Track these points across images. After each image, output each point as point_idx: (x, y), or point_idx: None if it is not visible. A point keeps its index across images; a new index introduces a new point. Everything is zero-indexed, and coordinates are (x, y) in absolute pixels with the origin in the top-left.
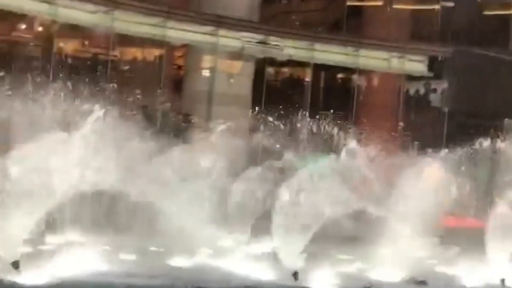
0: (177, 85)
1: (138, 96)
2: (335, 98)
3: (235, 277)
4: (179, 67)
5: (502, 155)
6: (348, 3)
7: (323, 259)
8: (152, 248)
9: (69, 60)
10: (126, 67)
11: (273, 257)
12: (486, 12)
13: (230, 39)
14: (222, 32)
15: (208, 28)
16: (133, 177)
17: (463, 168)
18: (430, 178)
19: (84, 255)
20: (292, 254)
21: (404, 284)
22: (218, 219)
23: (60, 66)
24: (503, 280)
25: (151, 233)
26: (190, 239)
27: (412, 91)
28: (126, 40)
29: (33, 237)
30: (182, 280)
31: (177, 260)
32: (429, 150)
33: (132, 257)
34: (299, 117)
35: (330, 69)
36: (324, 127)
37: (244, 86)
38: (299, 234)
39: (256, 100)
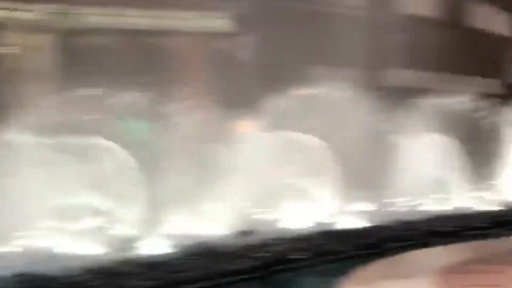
0: None
1: None
2: (144, 63)
3: None
4: None
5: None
6: None
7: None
8: None
9: None
10: None
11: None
12: None
13: (28, 13)
14: (17, 5)
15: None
16: None
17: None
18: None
19: None
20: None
21: (231, 236)
22: None
23: None
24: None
25: None
26: None
27: (222, 49)
28: None
29: None
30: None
31: None
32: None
33: None
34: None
35: (137, 34)
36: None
37: (49, 60)
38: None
39: (65, 73)
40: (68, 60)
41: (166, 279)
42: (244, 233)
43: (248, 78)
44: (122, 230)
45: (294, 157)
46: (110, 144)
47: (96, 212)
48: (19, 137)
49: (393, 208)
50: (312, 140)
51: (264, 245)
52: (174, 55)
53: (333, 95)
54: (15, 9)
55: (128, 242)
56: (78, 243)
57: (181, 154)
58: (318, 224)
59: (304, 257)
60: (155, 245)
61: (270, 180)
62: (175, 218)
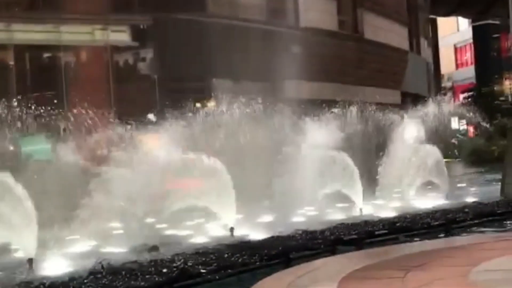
0: None
1: None
2: (43, 79)
3: None
4: None
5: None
6: None
7: (53, 243)
8: None
9: None
10: None
11: None
12: None
13: None
14: None
15: None
16: None
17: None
18: (150, 145)
19: None
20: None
21: (136, 252)
22: None
23: None
24: (231, 229)
25: None
26: None
27: (121, 62)
28: None
29: None
30: None
31: None
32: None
33: None
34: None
35: (34, 49)
36: (36, 110)
37: None
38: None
39: None
40: None
41: None
42: (150, 249)
43: (147, 91)
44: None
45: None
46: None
47: None
48: None
49: (297, 218)
50: (206, 158)
51: (169, 261)
52: (72, 69)
53: (234, 108)
54: None
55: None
56: None
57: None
58: (223, 238)
59: (207, 270)
60: (55, 265)
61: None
62: (75, 238)
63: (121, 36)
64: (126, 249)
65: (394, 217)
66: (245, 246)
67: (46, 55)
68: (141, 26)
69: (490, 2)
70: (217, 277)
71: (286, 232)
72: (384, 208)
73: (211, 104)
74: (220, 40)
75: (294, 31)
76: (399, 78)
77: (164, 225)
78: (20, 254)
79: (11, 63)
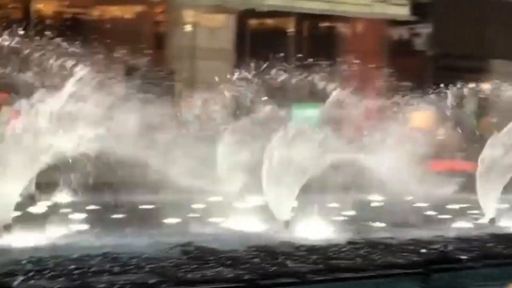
0: (160, 41)
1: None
2: (319, 47)
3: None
4: (160, 23)
5: (488, 97)
6: None
7: (315, 209)
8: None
9: (48, 22)
10: (107, 26)
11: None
12: None
13: None
14: None
15: None
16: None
17: (449, 111)
18: (417, 122)
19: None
20: (284, 206)
21: (394, 228)
22: (207, 174)
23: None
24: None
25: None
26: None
27: (396, 36)
28: None
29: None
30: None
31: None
32: (415, 94)
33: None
34: (283, 67)
35: (313, 18)
36: (309, 77)
37: (227, 40)
38: (291, 186)
39: (239, 53)
40: (244, 40)
41: (326, 264)
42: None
43: (420, 67)
44: (282, 212)
45: None
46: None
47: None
48: None
49: None
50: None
51: (427, 242)
52: (351, 40)
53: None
54: None
55: (287, 224)
56: (243, 221)
57: None
58: (484, 226)
59: (468, 257)
60: (314, 230)
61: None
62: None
63: (401, 10)
64: (384, 223)
65: None
66: (508, 237)
67: (324, 24)
68: (422, 1)
69: None
70: (476, 265)
71: None
72: None
73: (486, 86)
74: (502, 18)
75: None
76: None
77: (424, 205)
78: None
79: (291, 30)
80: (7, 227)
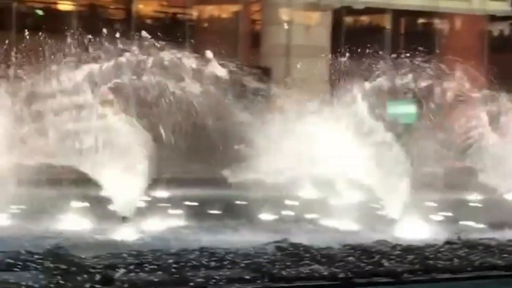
0: (255, 40)
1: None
2: (416, 44)
3: None
4: (256, 22)
5: None
6: None
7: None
8: None
9: (149, 21)
10: (205, 25)
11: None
12: None
13: None
14: None
15: None
16: None
17: None
18: None
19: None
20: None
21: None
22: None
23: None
24: None
25: None
26: None
27: (496, 32)
28: None
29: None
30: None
31: None
32: None
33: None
34: (381, 63)
35: (410, 15)
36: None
37: (322, 37)
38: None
39: (335, 50)
40: (339, 37)
41: (423, 264)
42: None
43: None
44: (383, 210)
45: None
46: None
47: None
48: None
49: None
50: None
51: None
52: (449, 36)
53: None
54: None
55: (386, 223)
56: (340, 218)
57: None
58: None
59: None
60: (412, 229)
61: None
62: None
63: (500, 5)
64: (482, 224)
65: None
66: None
67: (421, 20)
68: None
69: None
70: None
71: None
72: None
73: None
74: None
75: None
76: None
77: None
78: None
79: (387, 27)
80: (125, 219)
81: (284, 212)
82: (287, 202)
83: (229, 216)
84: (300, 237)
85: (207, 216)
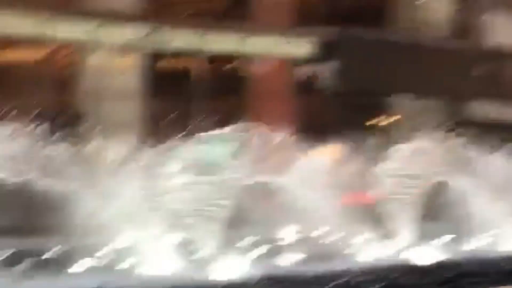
0: (65, 84)
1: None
2: (227, 87)
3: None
4: (66, 67)
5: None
6: None
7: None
8: None
9: None
10: (7, 70)
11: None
12: None
13: (115, 34)
14: (106, 27)
15: (92, 25)
16: None
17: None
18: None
19: None
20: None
21: None
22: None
23: None
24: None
25: None
26: None
27: (303, 75)
28: (3, 42)
29: None
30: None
31: None
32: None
33: None
34: (191, 106)
35: (220, 58)
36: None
37: (134, 80)
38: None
39: (148, 93)
40: (152, 81)
41: None
42: None
43: (326, 105)
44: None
45: None
46: None
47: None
48: None
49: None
50: None
51: None
52: (258, 79)
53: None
54: (109, 31)
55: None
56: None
57: None
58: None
59: None
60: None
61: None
62: None
63: (304, 49)
64: None
65: None
66: (415, 269)
67: (231, 65)
68: (325, 40)
69: None
70: None
71: (460, 255)
72: None
73: (389, 120)
74: (405, 56)
75: (481, 50)
76: None
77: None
78: None
79: (199, 70)
80: None
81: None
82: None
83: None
84: None
85: None
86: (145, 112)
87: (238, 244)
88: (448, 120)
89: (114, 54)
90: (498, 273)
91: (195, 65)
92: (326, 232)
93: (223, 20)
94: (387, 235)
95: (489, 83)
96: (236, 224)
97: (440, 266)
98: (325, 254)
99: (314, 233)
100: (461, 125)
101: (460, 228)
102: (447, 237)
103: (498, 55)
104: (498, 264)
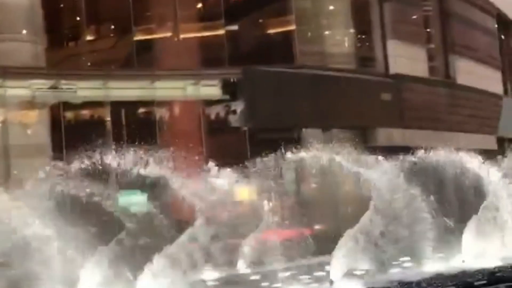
0: None
1: None
2: (138, 133)
3: None
4: None
5: (304, 164)
6: (136, 38)
7: None
8: None
9: None
10: None
11: None
12: (270, 31)
13: (18, 89)
14: (9, 82)
15: None
16: None
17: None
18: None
19: None
20: None
21: None
22: None
23: None
24: (331, 281)
25: None
26: None
27: (213, 115)
28: None
29: None
30: None
31: None
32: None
33: None
34: (104, 156)
35: (129, 105)
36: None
37: (41, 135)
38: None
39: (56, 147)
40: (59, 133)
41: None
42: None
43: (238, 143)
44: None
45: None
46: None
47: None
48: None
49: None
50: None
51: None
52: (169, 122)
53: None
54: (11, 86)
55: None
56: None
57: None
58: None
59: None
60: None
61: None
62: None
63: (212, 90)
64: None
65: (494, 267)
66: None
67: (140, 110)
68: (231, 80)
69: None
70: None
71: (381, 283)
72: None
73: (301, 153)
74: (310, 89)
75: (384, 79)
76: (493, 123)
77: None
78: None
79: (108, 119)
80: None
81: None
82: None
83: None
84: None
85: None
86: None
87: None
88: (355, 147)
89: (18, 109)
90: None
91: (104, 113)
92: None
93: (127, 67)
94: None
95: (392, 110)
96: None
97: None
98: None
99: None
100: (368, 150)
101: None
102: None
103: (400, 83)
104: None
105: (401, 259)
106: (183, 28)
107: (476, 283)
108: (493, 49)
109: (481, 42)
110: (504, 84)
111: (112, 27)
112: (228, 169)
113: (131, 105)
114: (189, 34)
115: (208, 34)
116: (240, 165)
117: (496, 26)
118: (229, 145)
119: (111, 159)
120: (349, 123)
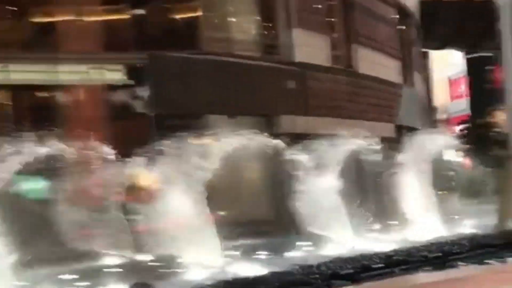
0: None
1: None
2: (42, 117)
3: None
4: None
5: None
6: (36, 20)
7: None
8: None
9: None
10: None
11: None
12: (177, 16)
13: None
14: None
15: None
16: None
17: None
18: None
19: None
20: None
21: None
22: None
23: None
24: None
25: None
26: None
27: (117, 101)
28: None
29: None
30: None
31: None
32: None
33: None
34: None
35: (31, 89)
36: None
37: None
38: None
39: None
40: None
41: None
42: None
43: (143, 129)
44: None
45: None
46: None
47: None
48: None
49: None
50: None
51: None
52: (73, 107)
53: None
54: None
55: None
56: None
57: None
58: (217, 273)
59: None
60: None
61: None
62: None
63: (116, 75)
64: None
65: (390, 251)
66: (240, 283)
67: (43, 94)
68: (137, 65)
69: (480, 36)
70: None
71: (282, 267)
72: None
73: (206, 140)
74: (215, 76)
75: (289, 67)
76: (393, 112)
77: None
78: None
79: (9, 103)
80: None
81: None
82: None
83: None
84: None
85: None
86: None
87: None
88: (260, 134)
89: None
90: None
91: (6, 98)
92: None
93: (28, 50)
94: None
95: (296, 98)
96: None
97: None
98: None
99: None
100: (274, 137)
101: None
102: None
103: (304, 71)
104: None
105: (301, 243)
106: (86, 11)
107: (374, 266)
108: (393, 40)
109: (382, 32)
110: (404, 74)
111: (9, 7)
112: (131, 155)
113: (34, 89)
114: (93, 18)
115: (113, 18)
116: (144, 151)
117: (398, 17)
118: (134, 131)
119: (11, 144)
120: (254, 110)
